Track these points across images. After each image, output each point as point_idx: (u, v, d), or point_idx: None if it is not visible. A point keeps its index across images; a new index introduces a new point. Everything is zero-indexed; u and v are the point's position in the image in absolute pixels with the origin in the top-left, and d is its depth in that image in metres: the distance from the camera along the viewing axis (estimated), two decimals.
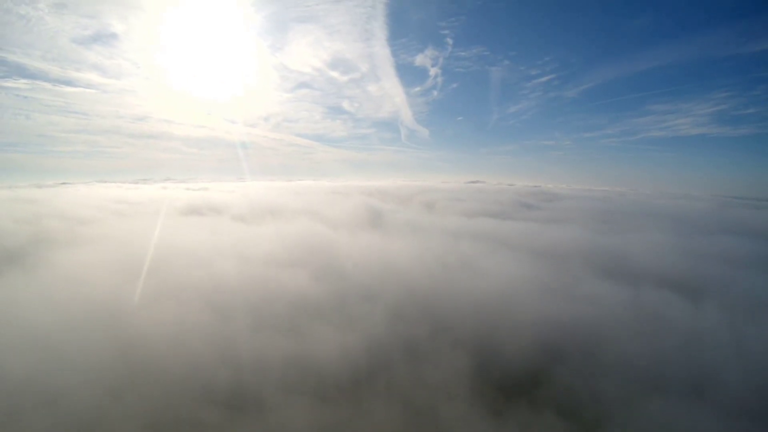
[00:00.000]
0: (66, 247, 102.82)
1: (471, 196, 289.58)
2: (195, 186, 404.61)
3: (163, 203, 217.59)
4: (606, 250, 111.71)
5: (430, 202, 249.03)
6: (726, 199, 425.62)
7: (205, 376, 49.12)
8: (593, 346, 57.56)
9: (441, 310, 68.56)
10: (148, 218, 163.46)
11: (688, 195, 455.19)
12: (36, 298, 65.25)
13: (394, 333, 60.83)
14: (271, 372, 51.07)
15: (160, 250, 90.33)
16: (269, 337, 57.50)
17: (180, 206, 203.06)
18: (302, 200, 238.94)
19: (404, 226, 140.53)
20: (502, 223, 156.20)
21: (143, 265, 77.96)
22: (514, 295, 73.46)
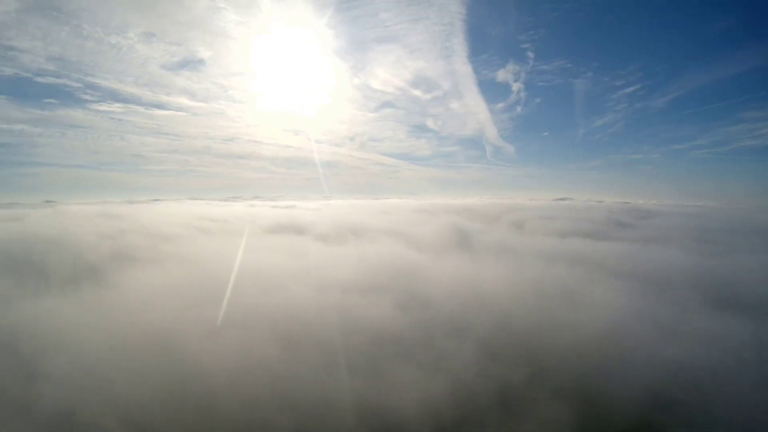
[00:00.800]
0: (142, 265, 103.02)
1: (561, 214, 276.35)
2: (282, 204, 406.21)
3: (249, 221, 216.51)
4: (715, 275, 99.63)
5: (519, 221, 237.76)
6: None
7: (262, 421, 44.05)
8: (712, 393, 48.10)
9: (538, 347, 60.33)
10: (231, 236, 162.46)
11: None
12: (99, 317, 63.92)
13: (485, 375, 52.88)
14: (340, 420, 44.75)
15: (237, 271, 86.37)
16: (341, 378, 50.86)
17: (265, 224, 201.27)
18: (387, 219, 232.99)
19: (494, 248, 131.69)
20: (597, 244, 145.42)
21: (216, 288, 74.90)
22: (618, 330, 64.01)
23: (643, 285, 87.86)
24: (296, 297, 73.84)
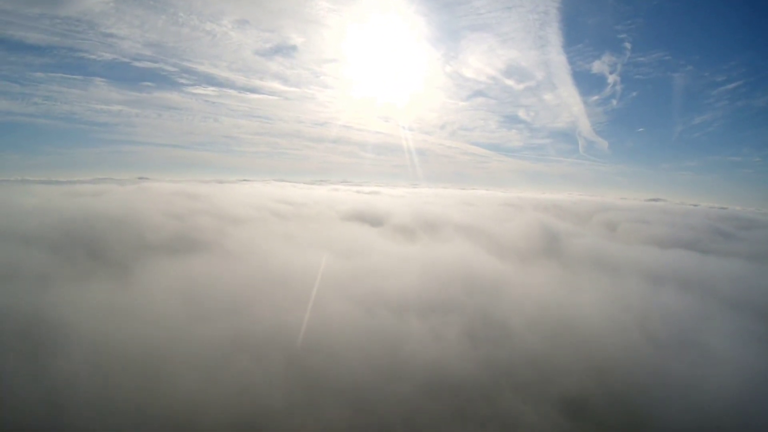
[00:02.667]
0: (197, 251, 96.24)
1: (656, 217, 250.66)
2: (366, 189, 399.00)
3: (327, 206, 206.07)
4: None
5: (611, 223, 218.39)
6: None
7: None
8: None
9: (648, 409, 46.12)
10: (302, 222, 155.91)
11: None
12: (131, 305, 60.17)
13: None
14: None
15: (280, 272, 77.68)
16: None
17: (342, 210, 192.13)
18: (471, 212, 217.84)
19: (587, 256, 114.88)
20: (704, 259, 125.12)
21: (246, 293, 66.92)
22: (748, 388, 48.89)
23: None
24: (332, 316, 60.60)
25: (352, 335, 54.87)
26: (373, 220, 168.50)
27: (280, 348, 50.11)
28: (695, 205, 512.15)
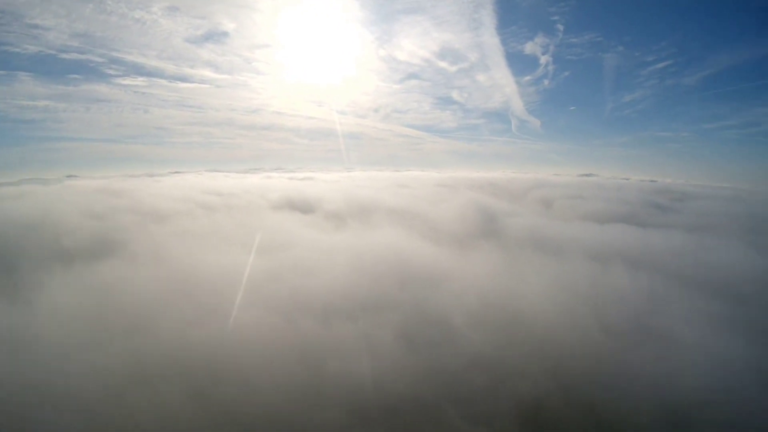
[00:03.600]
0: (119, 252, 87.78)
1: (590, 192, 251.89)
2: (300, 176, 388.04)
3: (258, 195, 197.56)
4: None
5: (547, 199, 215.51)
6: None
7: None
8: None
9: (614, 407, 41.09)
10: (232, 213, 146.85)
11: None
12: (18, 330, 50.93)
13: None
14: None
15: (204, 269, 71.94)
16: None
17: (273, 199, 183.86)
18: (405, 194, 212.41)
19: (526, 237, 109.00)
20: (644, 233, 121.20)
21: (168, 293, 60.76)
22: (719, 376, 44.33)
23: (721, 298, 66.66)
24: (246, 328, 51.58)
25: (268, 352, 46.36)
26: (304, 207, 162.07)
27: (182, 377, 41.65)
28: (626, 179, 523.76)
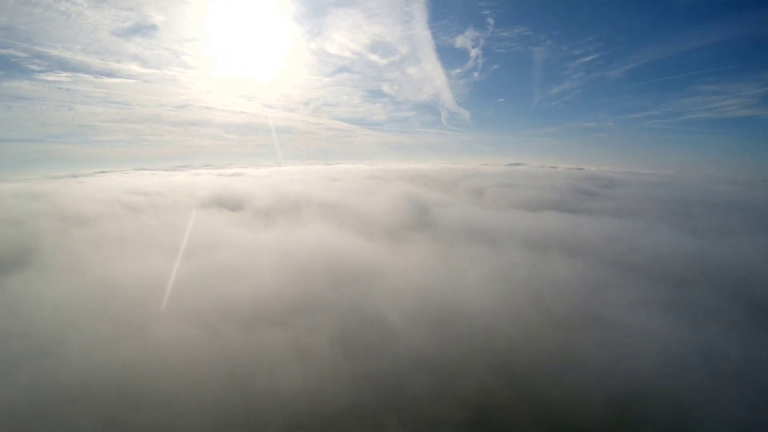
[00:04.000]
0: (36, 261, 79.83)
1: (520, 181, 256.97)
2: (229, 172, 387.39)
3: (185, 193, 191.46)
4: (739, 266, 78.23)
5: (478, 189, 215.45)
6: None
7: None
8: None
9: (564, 402, 39.43)
10: (158, 214, 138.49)
11: (739, 180, 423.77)
12: None
13: None
14: None
15: (122, 278, 64.21)
16: None
17: (201, 197, 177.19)
18: (336, 188, 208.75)
19: (459, 227, 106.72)
20: (576, 220, 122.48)
21: (81, 308, 53.94)
22: (669, 363, 43.91)
23: (658, 283, 66.97)
24: (165, 345, 45.92)
25: (192, 371, 41.51)
26: (232, 204, 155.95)
27: (96, 404, 36.72)
28: (554, 168, 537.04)
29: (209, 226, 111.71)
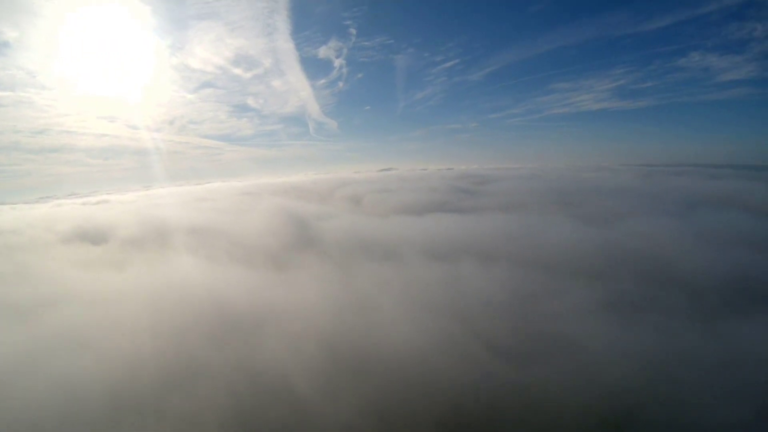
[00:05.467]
0: None
1: (396, 185, 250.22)
2: (94, 200, 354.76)
3: (45, 228, 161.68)
4: (649, 249, 76.44)
5: (355, 196, 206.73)
6: (640, 167, 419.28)
7: None
8: None
9: None
10: (11, 255, 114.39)
11: (602, 167, 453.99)
12: None
13: None
14: None
15: None
16: None
17: (62, 231, 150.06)
18: (208, 209, 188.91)
19: (347, 240, 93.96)
20: (468, 220, 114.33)
21: None
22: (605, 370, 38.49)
23: (583, 280, 60.52)
24: None
25: None
26: (96, 237, 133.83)
27: None
28: (424, 169, 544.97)
29: (63, 271, 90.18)
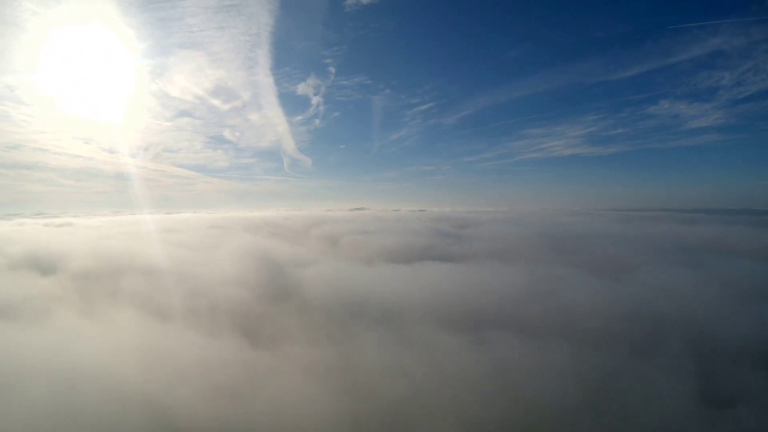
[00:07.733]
0: None
1: (372, 226, 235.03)
2: (58, 221, 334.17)
3: None
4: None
5: (332, 237, 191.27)
6: (612, 212, 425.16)
7: None
8: None
9: None
10: None
11: (576, 211, 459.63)
12: None
13: None
14: None
15: None
16: None
17: (13, 255, 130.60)
18: (174, 241, 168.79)
19: (334, 297, 75.05)
20: (463, 270, 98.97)
21: None
22: None
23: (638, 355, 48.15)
24: None
25: None
26: (46, 265, 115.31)
27: None
28: (397, 210, 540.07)
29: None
